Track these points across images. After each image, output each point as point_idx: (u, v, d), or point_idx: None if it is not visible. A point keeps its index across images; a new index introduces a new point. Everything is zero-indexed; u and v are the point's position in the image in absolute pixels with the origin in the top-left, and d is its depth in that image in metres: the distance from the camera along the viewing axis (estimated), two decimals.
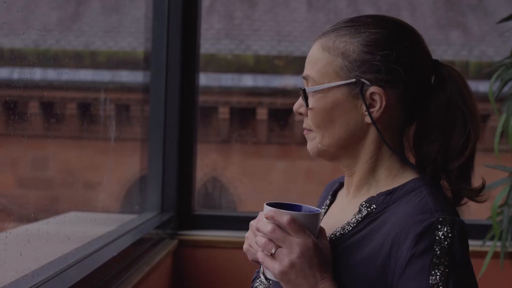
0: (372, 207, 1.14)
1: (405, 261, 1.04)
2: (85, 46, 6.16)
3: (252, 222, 1.16)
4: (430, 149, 1.17)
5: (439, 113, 1.16)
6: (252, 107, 6.49)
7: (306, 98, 1.17)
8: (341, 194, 1.30)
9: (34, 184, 5.65)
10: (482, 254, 2.40)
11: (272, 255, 1.08)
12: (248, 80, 6.55)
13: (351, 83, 1.14)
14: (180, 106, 2.74)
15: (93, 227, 2.34)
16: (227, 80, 6.61)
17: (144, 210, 2.75)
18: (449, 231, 1.04)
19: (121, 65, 6.26)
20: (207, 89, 6.39)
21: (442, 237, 1.04)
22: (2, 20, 1.51)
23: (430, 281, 1.02)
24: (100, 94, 3.63)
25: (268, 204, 1.12)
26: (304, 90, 1.17)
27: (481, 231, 2.54)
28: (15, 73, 1.48)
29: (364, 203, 1.15)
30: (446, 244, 1.03)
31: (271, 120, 6.45)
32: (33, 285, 1.39)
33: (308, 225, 1.09)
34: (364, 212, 1.14)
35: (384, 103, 1.13)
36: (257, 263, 1.16)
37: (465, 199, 1.19)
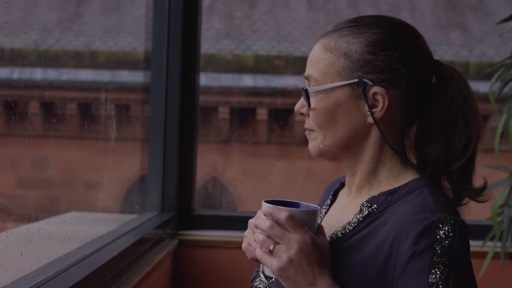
0: (373, 207, 1.14)
1: (405, 259, 1.04)
2: (85, 46, 6.16)
3: (250, 221, 1.16)
4: (432, 149, 1.17)
5: (441, 113, 1.16)
6: (252, 107, 6.49)
7: (308, 98, 1.17)
8: (342, 194, 1.30)
9: (35, 184, 5.65)
10: (482, 255, 2.40)
11: (271, 252, 1.08)
12: (248, 80, 6.55)
13: (353, 83, 1.14)
14: (180, 106, 2.74)
15: (93, 227, 2.34)
16: (227, 80, 6.61)
17: (144, 210, 2.75)
18: (450, 230, 1.04)
19: (121, 65, 6.26)
20: (207, 89, 6.39)
21: (443, 236, 1.04)
22: (3, 20, 1.51)
23: (430, 280, 1.02)
24: (100, 94, 3.63)
25: (266, 202, 1.12)
26: (306, 90, 1.17)
27: (482, 231, 2.54)
28: (15, 73, 1.48)
29: (365, 203, 1.15)
30: (447, 243, 1.03)
31: (271, 120, 6.45)
32: (34, 285, 1.39)
33: (306, 221, 1.09)
34: (365, 212, 1.14)
35: (386, 103, 1.13)
36: (256, 261, 1.16)
37: (466, 199, 1.19)
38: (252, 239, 1.16)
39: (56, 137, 2.14)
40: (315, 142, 1.19)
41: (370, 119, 1.14)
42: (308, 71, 1.19)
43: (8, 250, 1.41)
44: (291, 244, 1.06)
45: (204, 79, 6.25)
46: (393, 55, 1.13)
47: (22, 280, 1.41)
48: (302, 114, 1.21)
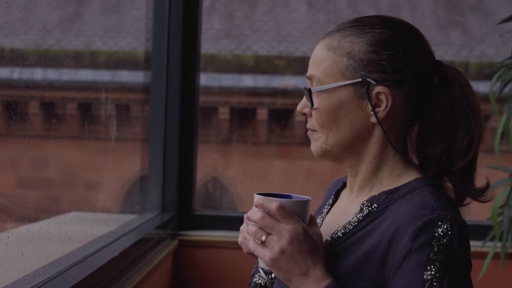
0: (373, 206, 1.14)
1: (402, 255, 1.04)
2: (85, 46, 6.16)
3: (245, 214, 1.17)
4: (435, 149, 1.17)
5: (443, 113, 1.17)
6: (252, 107, 6.49)
7: (311, 98, 1.17)
8: (344, 194, 1.30)
9: (35, 184, 5.65)
10: (482, 255, 2.40)
11: (263, 243, 1.08)
12: (248, 80, 6.55)
13: (357, 82, 1.14)
14: (180, 106, 2.74)
15: (94, 227, 2.34)
16: (227, 80, 6.61)
17: (145, 210, 2.75)
18: (448, 228, 1.04)
19: (122, 65, 6.26)
20: (207, 89, 6.39)
21: (442, 234, 1.04)
22: (3, 20, 1.51)
23: (425, 276, 1.02)
24: (100, 94, 3.63)
25: (258, 194, 1.13)
26: (309, 89, 1.17)
27: (482, 231, 2.54)
28: (16, 73, 1.48)
29: (365, 202, 1.16)
30: (445, 242, 1.03)
31: (271, 121, 6.45)
32: (35, 285, 1.39)
33: (297, 212, 1.10)
34: (365, 211, 1.15)
35: (390, 103, 1.13)
36: (252, 255, 1.16)
37: (468, 199, 1.19)
38: (247, 233, 1.16)
39: (56, 137, 2.14)
40: (317, 142, 1.19)
41: (373, 119, 1.14)
42: (311, 71, 1.19)
43: (9, 250, 1.41)
44: (283, 234, 1.07)
45: (204, 79, 6.25)
46: (396, 54, 1.13)
47: (22, 280, 1.41)
48: (304, 114, 1.21)
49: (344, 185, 1.31)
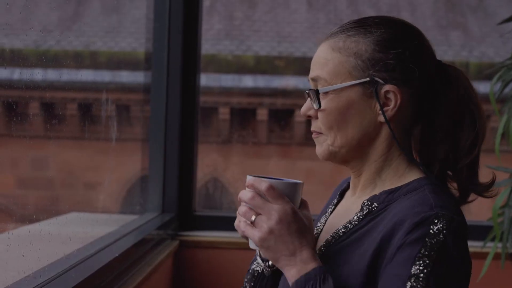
0: (373, 205, 1.14)
1: (396, 247, 1.05)
2: (86, 46, 6.16)
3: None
4: (439, 149, 1.17)
5: (448, 112, 1.17)
6: (253, 107, 6.48)
7: (318, 99, 1.16)
8: (348, 193, 1.30)
9: (35, 185, 5.65)
10: (483, 255, 2.40)
11: (252, 223, 1.09)
12: (248, 81, 6.55)
13: (365, 82, 1.13)
14: (180, 106, 2.74)
15: (94, 228, 2.34)
16: (228, 80, 6.61)
17: (145, 211, 2.75)
18: (444, 227, 1.04)
19: (122, 66, 6.26)
20: (208, 90, 6.39)
21: (436, 231, 1.04)
22: (3, 21, 1.51)
23: (412, 271, 1.02)
24: (100, 94, 3.63)
25: (251, 176, 1.13)
26: (316, 90, 1.16)
27: (482, 232, 2.54)
28: (16, 74, 1.48)
29: (366, 201, 1.16)
30: (438, 239, 1.03)
31: (271, 121, 6.45)
32: (35, 286, 1.39)
33: (288, 194, 1.11)
34: (366, 210, 1.15)
35: (399, 101, 1.13)
36: (246, 238, 1.16)
37: (473, 196, 1.19)
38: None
39: (56, 138, 2.14)
40: (324, 145, 1.18)
41: (381, 118, 1.14)
42: (316, 72, 1.18)
43: (10, 251, 1.41)
44: (272, 214, 1.08)
45: (205, 79, 6.25)
46: (403, 53, 1.14)
47: (23, 281, 1.41)
48: (309, 116, 1.20)
49: (349, 185, 1.31)
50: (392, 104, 1.14)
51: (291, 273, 1.07)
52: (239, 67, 6.73)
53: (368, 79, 1.13)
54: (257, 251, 1.24)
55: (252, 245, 1.14)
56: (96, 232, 2.18)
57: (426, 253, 1.02)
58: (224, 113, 6.42)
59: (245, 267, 1.38)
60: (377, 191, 1.17)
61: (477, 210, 2.55)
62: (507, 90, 2.46)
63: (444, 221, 1.04)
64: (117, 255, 1.83)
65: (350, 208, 1.22)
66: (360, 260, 1.09)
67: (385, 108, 1.14)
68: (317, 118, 1.18)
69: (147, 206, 2.75)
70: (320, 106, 1.16)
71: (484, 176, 1.23)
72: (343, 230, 1.16)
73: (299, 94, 6.20)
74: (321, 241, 1.21)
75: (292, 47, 6.76)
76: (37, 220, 1.69)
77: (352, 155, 1.18)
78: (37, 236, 1.55)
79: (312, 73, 1.18)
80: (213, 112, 6.38)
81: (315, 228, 1.28)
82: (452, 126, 1.17)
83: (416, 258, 1.02)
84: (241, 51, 6.74)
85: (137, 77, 5.04)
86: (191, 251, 2.69)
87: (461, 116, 1.17)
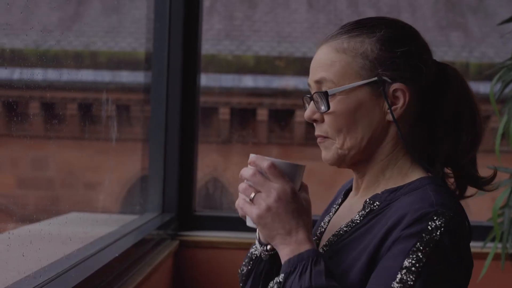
0: (375, 204, 1.14)
1: (391, 241, 1.05)
2: (86, 46, 6.16)
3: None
4: (441, 147, 1.18)
5: (449, 111, 1.18)
6: (253, 107, 6.49)
7: (327, 102, 1.14)
8: (351, 193, 1.30)
9: (35, 185, 5.65)
10: (483, 256, 2.40)
11: (252, 201, 1.09)
12: (248, 81, 6.55)
13: (373, 82, 1.13)
14: (181, 106, 2.74)
15: (94, 228, 2.34)
16: (228, 80, 6.61)
17: (145, 211, 2.75)
18: (442, 225, 1.04)
19: (122, 66, 6.27)
20: (208, 90, 6.39)
21: (433, 228, 1.03)
22: (4, 21, 1.51)
23: (405, 263, 1.02)
24: (101, 94, 3.63)
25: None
26: (325, 93, 1.14)
27: (482, 232, 2.53)
28: (16, 74, 1.49)
29: (368, 200, 1.16)
30: (434, 236, 1.03)
31: (271, 121, 6.45)
32: (35, 286, 1.39)
33: (289, 174, 1.11)
34: (368, 209, 1.15)
35: (407, 99, 1.14)
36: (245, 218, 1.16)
37: (470, 192, 1.20)
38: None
39: (57, 138, 2.14)
40: (332, 149, 1.17)
41: (389, 117, 1.14)
42: (320, 74, 1.16)
43: (10, 251, 1.41)
44: (271, 192, 1.08)
45: (205, 79, 6.25)
46: (409, 51, 1.14)
47: (23, 281, 1.41)
48: (314, 121, 1.19)
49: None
50: (400, 102, 1.14)
51: (285, 252, 1.08)
52: (239, 67, 6.73)
53: (376, 78, 1.13)
54: (257, 235, 1.24)
55: (249, 223, 1.14)
56: (96, 232, 2.18)
57: (421, 247, 1.02)
58: (224, 113, 6.43)
59: None
60: (380, 190, 1.17)
61: (477, 211, 2.55)
62: (507, 90, 2.46)
63: (443, 219, 1.04)
64: (117, 255, 1.83)
65: (352, 207, 1.22)
66: (360, 256, 1.09)
67: (393, 107, 1.14)
68: (323, 121, 1.17)
69: (147, 206, 2.75)
70: (329, 108, 1.14)
71: (483, 174, 1.24)
72: (345, 229, 1.17)
73: (299, 94, 6.20)
74: (324, 240, 1.21)
75: (292, 47, 6.76)
76: (37, 220, 1.69)
77: (360, 157, 1.17)
78: (37, 236, 1.55)
79: (316, 76, 1.17)
80: (213, 112, 6.38)
81: (319, 228, 1.29)
82: (453, 125, 1.18)
83: (410, 252, 1.02)
84: (241, 51, 6.74)
85: (137, 77, 5.04)
86: (191, 251, 2.69)
87: (461, 114, 1.18)
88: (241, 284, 1.31)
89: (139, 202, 3.10)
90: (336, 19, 6.92)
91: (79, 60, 4.88)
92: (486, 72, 5.63)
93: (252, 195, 1.10)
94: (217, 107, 6.41)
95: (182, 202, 2.76)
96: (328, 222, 1.27)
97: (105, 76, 5.93)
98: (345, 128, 1.15)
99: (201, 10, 2.81)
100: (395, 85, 1.13)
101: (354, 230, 1.14)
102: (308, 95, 1.20)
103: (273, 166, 1.09)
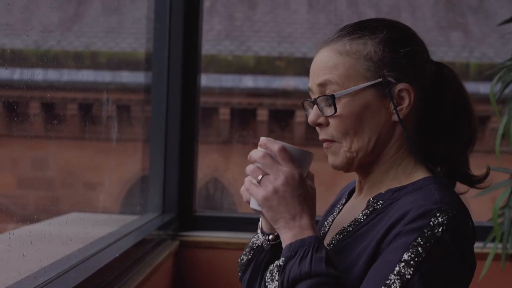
0: (378, 203, 1.15)
1: (393, 236, 1.05)
2: (86, 46, 6.17)
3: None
4: (440, 147, 1.19)
5: (448, 110, 1.19)
6: (253, 108, 6.49)
7: (334, 104, 1.14)
8: (354, 194, 1.30)
9: (36, 185, 5.65)
10: (483, 256, 2.40)
11: (259, 183, 1.10)
12: (248, 81, 6.55)
13: (379, 83, 1.13)
14: (181, 106, 2.74)
15: (94, 228, 2.34)
16: (228, 81, 6.61)
17: (146, 211, 2.75)
18: (445, 222, 1.04)
19: (122, 66, 6.27)
20: (208, 90, 6.39)
21: (436, 224, 1.03)
22: (4, 21, 1.51)
23: (404, 257, 1.02)
24: (101, 94, 3.63)
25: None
26: (332, 96, 1.14)
27: (482, 233, 2.53)
28: (16, 74, 1.49)
29: (371, 199, 1.16)
30: (436, 232, 1.03)
31: (271, 121, 6.45)
32: (36, 286, 1.39)
33: (298, 160, 1.12)
34: (371, 208, 1.15)
35: (413, 99, 1.14)
36: (249, 203, 1.16)
37: (464, 188, 1.22)
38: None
39: (57, 138, 2.14)
40: (340, 153, 1.17)
41: (395, 117, 1.14)
42: (324, 77, 1.16)
43: (10, 251, 1.41)
44: (279, 175, 1.09)
45: (205, 80, 6.25)
46: (411, 51, 1.15)
47: (24, 281, 1.41)
48: (318, 125, 1.18)
49: None
50: (406, 102, 1.14)
51: (287, 236, 1.08)
52: (239, 67, 6.73)
53: (381, 79, 1.13)
54: (259, 224, 1.24)
55: (253, 205, 1.13)
56: (97, 232, 2.18)
57: (422, 242, 1.02)
58: (224, 113, 6.43)
59: None
60: (383, 190, 1.17)
61: (477, 211, 2.54)
62: (507, 91, 2.46)
63: (446, 216, 1.04)
64: (117, 255, 1.83)
65: (356, 207, 1.22)
66: (363, 253, 1.09)
67: (399, 108, 1.14)
68: (327, 125, 1.17)
69: (147, 206, 2.75)
70: (336, 111, 1.14)
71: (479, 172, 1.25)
72: (347, 229, 1.17)
73: (299, 95, 6.20)
74: (328, 239, 1.22)
75: (292, 47, 6.76)
76: (38, 220, 1.69)
77: (367, 159, 1.17)
78: (38, 236, 1.55)
79: (319, 79, 1.16)
80: (213, 113, 6.38)
81: (322, 228, 1.29)
82: (452, 124, 1.18)
83: (411, 246, 1.02)
84: (241, 52, 6.74)
85: (138, 78, 5.04)
86: (191, 251, 2.69)
87: (459, 113, 1.19)
88: (239, 274, 1.30)
89: (139, 202, 3.10)
90: (336, 19, 6.92)
91: (80, 60, 4.88)
92: (486, 73, 5.62)
93: (260, 177, 1.10)
94: (217, 107, 6.41)
95: (182, 203, 2.76)
96: (332, 222, 1.28)
97: (105, 76, 5.93)
98: (352, 131, 1.14)
99: (201, 11, 2.81)
100: (400, 85, 1.14)
101: (357, 229, 1.15)
102: (309, 100, 1.20)
103: (283, 149, 1.10)
